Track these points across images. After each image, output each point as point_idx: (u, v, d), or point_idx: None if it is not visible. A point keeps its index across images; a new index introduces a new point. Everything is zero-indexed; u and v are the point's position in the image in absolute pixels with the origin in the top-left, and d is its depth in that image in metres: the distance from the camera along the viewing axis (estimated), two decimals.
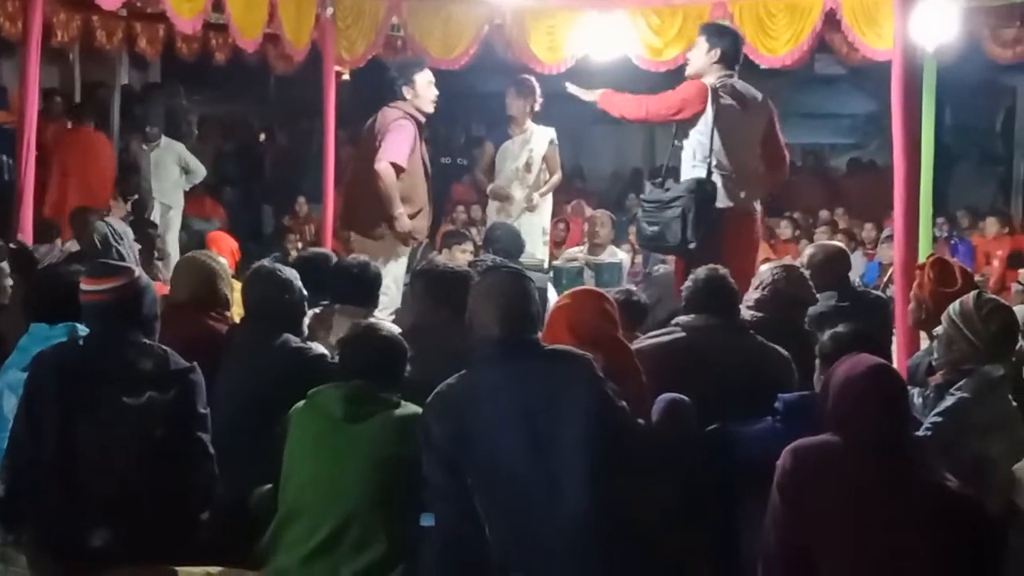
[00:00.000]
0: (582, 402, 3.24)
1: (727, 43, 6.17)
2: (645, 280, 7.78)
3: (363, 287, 4.98)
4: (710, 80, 6.07)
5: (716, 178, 6.01)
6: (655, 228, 6.03)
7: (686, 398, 3.69)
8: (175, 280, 4.77)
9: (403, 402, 3.55)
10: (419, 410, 3.46)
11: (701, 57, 6.17)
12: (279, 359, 4.09)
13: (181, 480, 3.51)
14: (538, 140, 8.20)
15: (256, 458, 3.65)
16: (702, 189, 5.91)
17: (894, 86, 5.71)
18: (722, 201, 6.01)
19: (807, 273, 5.05)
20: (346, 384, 3.54)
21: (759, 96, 6.20)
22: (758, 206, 6.28)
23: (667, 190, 6.08)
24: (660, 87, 14.52)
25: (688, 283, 4.48)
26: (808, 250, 5.61)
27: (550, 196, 8.41)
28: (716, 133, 5.99)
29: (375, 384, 3.55)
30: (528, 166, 8.14)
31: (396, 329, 4.55)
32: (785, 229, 11.32)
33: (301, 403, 3.59)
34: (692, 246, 5.83)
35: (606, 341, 3.77)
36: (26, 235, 6.42)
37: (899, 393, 3.12)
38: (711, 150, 5.99)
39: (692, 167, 6.09)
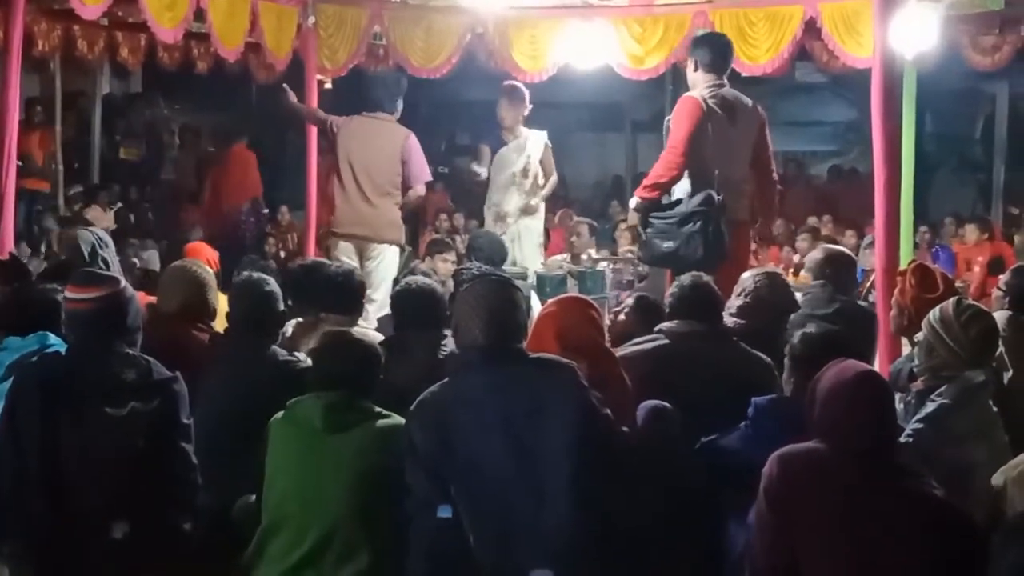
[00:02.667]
0: (565, 410, 3.24)
1: (705, 52, 6.14)
2: (632, 287, 7.78)
3: (348, 295, 4.97)
4: (700, 91, 6.02)
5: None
6: (671, 243, 5.88)
7: (669, 405, 3.70)
8: (164, 290, 4.76)
9: (383, 412, 3.53)
10: (400, 421, 3.46)
11: (691, 72, 6.18)
12: (266, 371, 4.07)
13: (164, 490, 3.50)
14: (533, 144, 8.22)
15: (240, 469, 3.64)
16: (714, 201, 5.83)
17: (874, 94, 5.73)
18: (726, 214, 5.91)
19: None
20: (325, 394, 3.52)
21: (748, 103, 6.15)
22: (748, 214, 6.21)
23: (674, 204, 5.96)
24: (641, 95, 14.60)
25: (673, 290, 4.49)
26: (812, 254, 5.51)
27: (543, 201, 8.44)
28: (715, 147, 5.94)
29: (350, 393, 3.53)
30: (525, 171, 8.17)
31: (376, 336, 4.56)
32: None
33: (280, 414, 3.56)
34: (718, 259, 5.72)
35: (591, 349, 3.78)
36: (6, 246, 6.39)
37: (886, 400, 3.12)
38: (711, 160, 5.91)
39: (685, 177, 6.00)
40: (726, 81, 6.14)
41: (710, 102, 5.98)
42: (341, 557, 3.37)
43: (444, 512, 3.23)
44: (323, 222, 8.10)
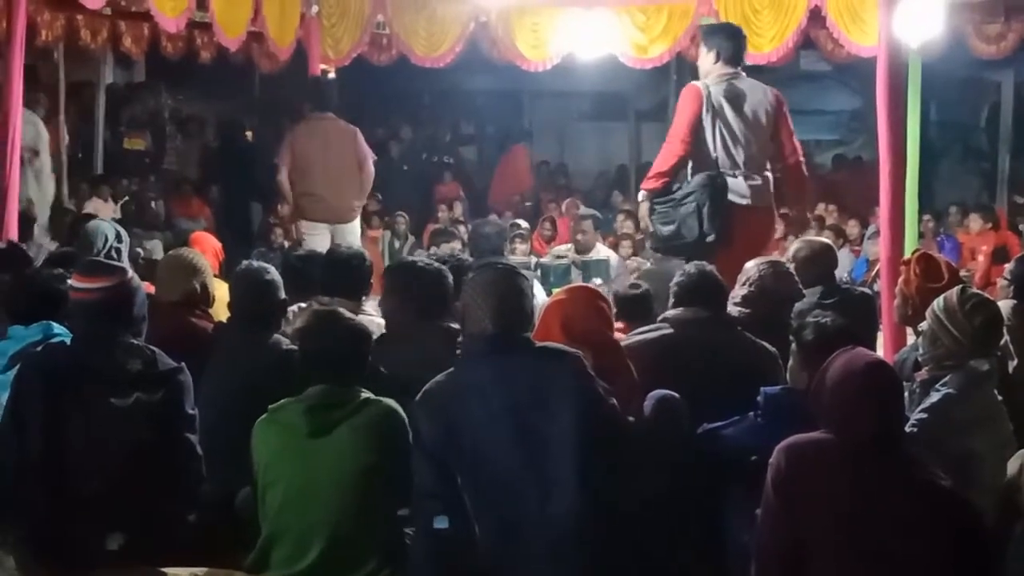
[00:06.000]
0: (571, 399, 3.23)
1: (720, 41, 6.18)
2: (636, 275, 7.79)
3: (358, 278, 4.97)
4: (710, 80, 6.09)
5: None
6: (670, 227, 6.00)
7: (677, 394, 3.69)
8: (161, 277, 4.76)
9: (368, 397, 3.49)
10: (387, 404, 3.45)
11: (703, 60, 6.23)
12: (269, 360, 4.06)
13: (168, 481, 3.50)
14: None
15: (243, 458, 3.62)
16: (713, 183, 5.91)
17: (879, 82, 5.72)
18: (731, 196, 5.98)
19: (792, 268, 5.07)
20: (306, 396, 3.46)
21: (762, 90, 6.18)
22: (767, 200, 6.21)
23: (678, 188, 6.05)
24: (645, 84, 14.56)
25: (678, 278, 4.49)
26: (793, 245, 5.61)
27: None
28: (715, 132, 6.00)
29: (336, 377, 3.48)
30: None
31: (375, 319, 4.55)
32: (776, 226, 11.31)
33: (263, 418, 3.51)
34: (711, 239, 5.82)
35: (598, 339, 3.76)
36: (10, 234, 6.41)
37: (895, 390, 3.09)
38: (715, 148, 6.00)
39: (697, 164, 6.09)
40: (740, 71, 6.17)
41: (714, 90, 6.01)
42: (347, 562, 3.35)
43: (440, 523, 3.23)
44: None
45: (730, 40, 6.20)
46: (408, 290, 4.32)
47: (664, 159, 6.10)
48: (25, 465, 3.42)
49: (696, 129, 5.98)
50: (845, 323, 3.75)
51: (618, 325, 4.35)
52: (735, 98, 6.05)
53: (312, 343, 3.58)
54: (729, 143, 6.01)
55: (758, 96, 6.14)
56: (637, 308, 4.91)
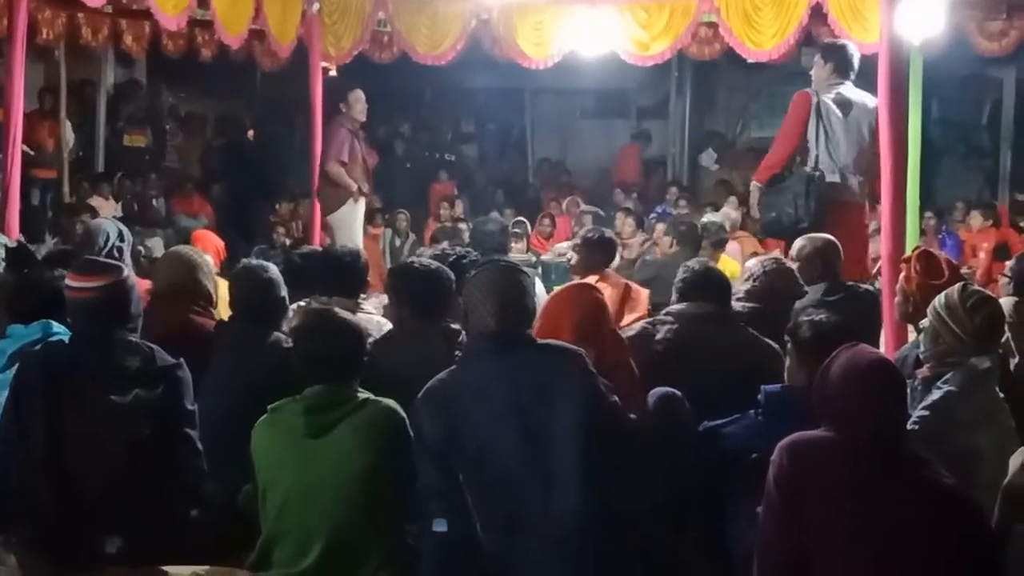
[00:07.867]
0: (574, 397, 3.23)
1: (837, 57, 6.75)
2: (641, 265, 7.83)
3: (352, 276, 4.98)
4: (821, 88, 6.72)
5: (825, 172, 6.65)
6: (772, 214, 6.73)
7: (679, 392, 3.69)
8: (158, 272, 4.76)
9: (367, 397, 3.47)
10: (386, 404, 3.44)
11: (818, 70, 6.85)
12: (270, 358, 4.06)
13: (170, 477, 3.49)
14: None
15: (245, 455, 3.62)
16: (810, 178, 6.57)
17: (880, 80, 5.72)
18: (828, 192, 6.56)
19: (796, 266, 5.07)
20: (304, 396, 3.45)
21: (866, 99, 6.61)
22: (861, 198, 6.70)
23: (785, 178, 6.74)
24: (647, 81, 14.54)
25: (683, 274, 4.49)
26: (797, 242, 5.61)
27: None
28: (818, 133, 6.59)
29: (332, 376, 3.45)
30: None
31: (374, 317, 4.54)
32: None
33: (263, 419, 3.49)
34: (803, 225, 6.35)
35: (600, 336, 3.76)
36: (12, 232, 6.43)
37: (898, 388, 3.07)
38: (816, 148, 6.63)
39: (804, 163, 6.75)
40: (848, 81, 6.73)
41: (823, 95, 6.64)
42: (348, 562, 3.34)
43: (439, 526, 3.23)
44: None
45: (845, 55, 6.79)
46: (406, 292, 4.33)
47: (773, 155, 6.85)
48: (26, 463, 3.42)
49: (803, 130, 6.66)
50: (841, 321, 3.74)
51: None
52: (841, 105, 6.63)
53: (305, 343, 3.55)
54: (831, 144, 6.61)
55: (863, 105, 6.63)
56: (598, 251, 5.95)
